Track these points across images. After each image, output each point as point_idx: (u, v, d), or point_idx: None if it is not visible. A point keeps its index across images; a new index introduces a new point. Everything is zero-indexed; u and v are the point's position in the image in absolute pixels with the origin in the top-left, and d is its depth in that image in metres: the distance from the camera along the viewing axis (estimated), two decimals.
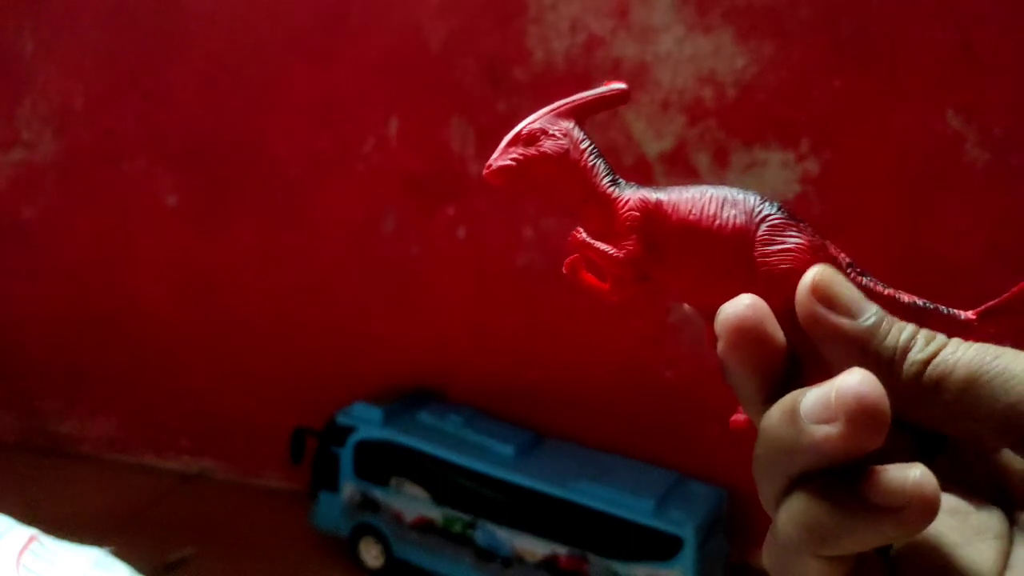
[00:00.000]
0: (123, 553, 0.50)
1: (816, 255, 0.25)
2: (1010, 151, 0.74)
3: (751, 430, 0.26)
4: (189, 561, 0.81)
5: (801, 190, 0.79)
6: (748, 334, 0.24)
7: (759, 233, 0.26)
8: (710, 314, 0.26)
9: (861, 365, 0.22)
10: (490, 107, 0.85)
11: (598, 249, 0.28)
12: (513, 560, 0.77)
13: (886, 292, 0.26)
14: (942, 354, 0.23)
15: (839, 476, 0.22)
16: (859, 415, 0.21)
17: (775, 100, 0.78)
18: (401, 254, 0.90)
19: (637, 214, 0.27)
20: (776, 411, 0.23)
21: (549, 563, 0.76)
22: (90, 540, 0.50)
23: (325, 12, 0.88)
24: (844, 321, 0.24)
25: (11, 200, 1.00)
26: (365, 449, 0.82)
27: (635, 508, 0.74)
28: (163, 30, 0.92)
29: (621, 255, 0.27)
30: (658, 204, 0.27)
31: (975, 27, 0.73)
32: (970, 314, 0.26)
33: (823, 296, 0.24)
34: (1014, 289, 0.26)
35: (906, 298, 0.26)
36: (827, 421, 0.22)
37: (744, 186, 0.27)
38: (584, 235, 0.28)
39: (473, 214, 0.87)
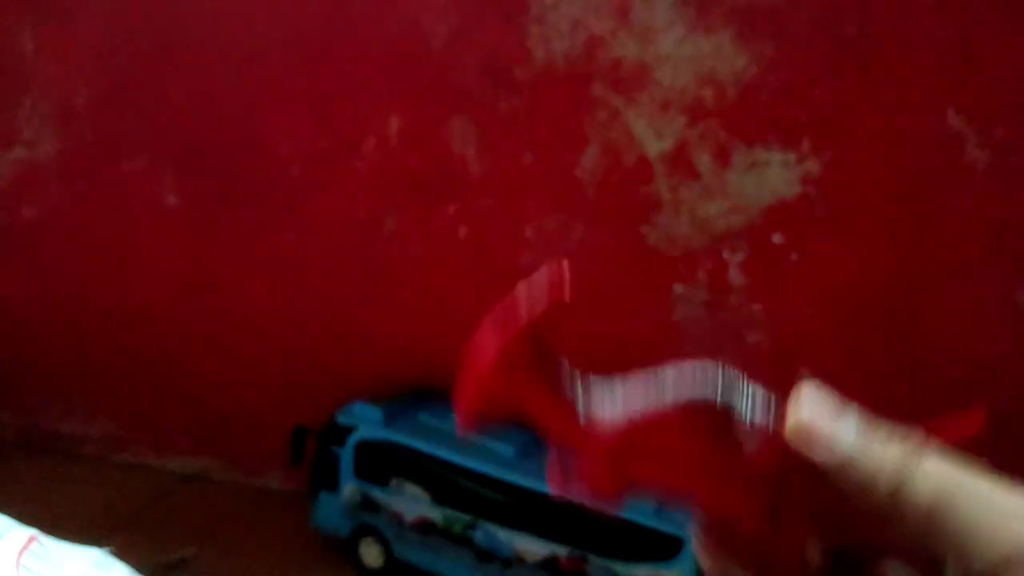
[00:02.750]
0: (123, 553, 0.50)
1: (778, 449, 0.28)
2: (1011, 151, 0.74)
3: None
4: (189, 561, 0.81)
5: (802, 190, 0.79)
6: None
7: (730, 436, 0.28)
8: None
9: (845, 487, 0.26)
10: (491, 107, 0.85)
11: (580, 488, 0.28)
12: (513, 560, 0.77)
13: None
14: (906, 486, 0.26)
15: None
16: None
17: (776, 100, 0.78)
18: (401, 254, 0.90)
19: (610, 451, 0.28)
20: None
21: (549, 564, 0.76)
22: (90, 540, 0.50)
23: (325, 11, 0.88)
24: (825, 454, 0.27)
25: (12, 200, 1.00)
26: (365, 449, 0.82)
27: (636, 508, 0.74)
28: (163, 30, 0.92)
29: (600, 491, 0.28)
30: (628, 431, 0.27)
31: (975, 27, 0.73)
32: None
33: (803, 441, 0.27)
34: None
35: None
36: None
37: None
38: (568, 476, 0.28)
39: (474, 214, 0.87)
